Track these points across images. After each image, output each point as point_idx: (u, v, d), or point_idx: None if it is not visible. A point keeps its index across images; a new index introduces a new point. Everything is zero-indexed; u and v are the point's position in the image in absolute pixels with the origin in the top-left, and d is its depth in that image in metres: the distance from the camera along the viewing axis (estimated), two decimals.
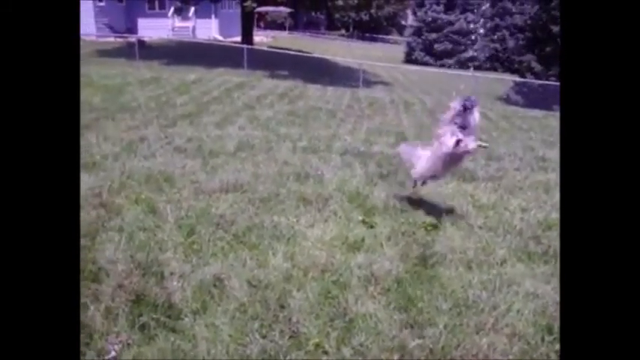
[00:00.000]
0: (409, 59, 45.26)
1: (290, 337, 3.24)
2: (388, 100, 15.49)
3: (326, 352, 3.14)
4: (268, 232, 4.65)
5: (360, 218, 5.13)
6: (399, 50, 48.66)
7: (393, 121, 11.64)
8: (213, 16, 39.48)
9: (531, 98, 22.90)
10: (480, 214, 5.59)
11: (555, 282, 4.17)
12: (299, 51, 29.51)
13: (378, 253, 4.41)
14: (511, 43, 36.43)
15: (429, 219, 5.25)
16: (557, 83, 22.00)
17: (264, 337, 3.22)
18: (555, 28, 22.66)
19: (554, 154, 9.50)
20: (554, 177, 7.60)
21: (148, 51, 23.66)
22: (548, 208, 6.00)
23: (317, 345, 3.17)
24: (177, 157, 6.84)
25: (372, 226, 4.98)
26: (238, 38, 31.96)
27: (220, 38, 37.80)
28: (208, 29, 39.45)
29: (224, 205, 5.18)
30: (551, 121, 15.27)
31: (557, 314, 3.67)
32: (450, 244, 4.68)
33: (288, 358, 3.06)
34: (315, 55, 29.38)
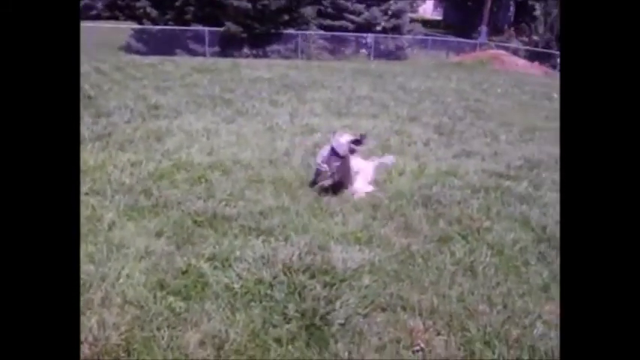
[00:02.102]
0: None
1: None
2: None
3: None
4: None
5: None
6: None
7: None
8: None
9: (152, 45, 22.73)
10: (87, 178, 5.14)
11: (169, 232, 4.05)
12: None
13: None
14: None
15: None
16: (175, 27, 22.26)
17: None
18: None
19: (166, 99, 9.47)
20: (165, 123, 7.53)
21: None
22: (159, 157, 5.88)
23: None
24: None
25: None
26: None
27: None
28: None
29: None
30: (167, 66, 15.28)
31: (169, 266, 3.55)
32: None
33: None
34: None
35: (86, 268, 3.50)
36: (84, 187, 4.90)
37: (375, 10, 26.35)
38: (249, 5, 21.54)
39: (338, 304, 3.18)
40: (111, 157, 5.80)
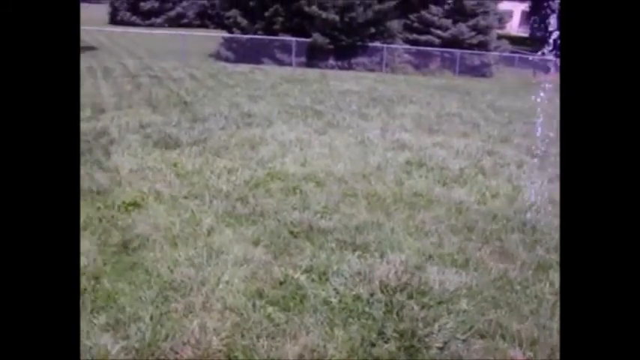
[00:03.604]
0: (114, 20, 42.63)
1: None
2: (85, 68, 14.22)
3: None
4: None
5: None
6: (104, 10, 45.53)
7: (89, 92, 10.64)
8: None
9: (240, 53, 23.20)
10: (185, 182, 5.31)
11: (266, 241, 4.10)
12: None
13: None
14: None
15: (130, 197, 4.80)
16: (263, 36, 22.68)
17: None
18: None
19: (258, 108, 9.63)
20: (259, 132, 7.66)
21: None
22: (254, 165, 5.99)
23: None
24: None
25: None
26: None
27: None
28: None
29: None
30: (257, 74, 15.59)
31: (267, 276, 3.60)
32: (154, 222, 4.33)
33: None
34: None
35: (186, 271, 3.60)
36: (182, 191, 5.06)
37: (462, 26, 25.95)
38: (337, 17, 21.66)
39: (436, 326, 3.12)
40: (207, 163, 5.96)
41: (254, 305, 3.26)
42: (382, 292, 3.47)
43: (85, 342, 2.87)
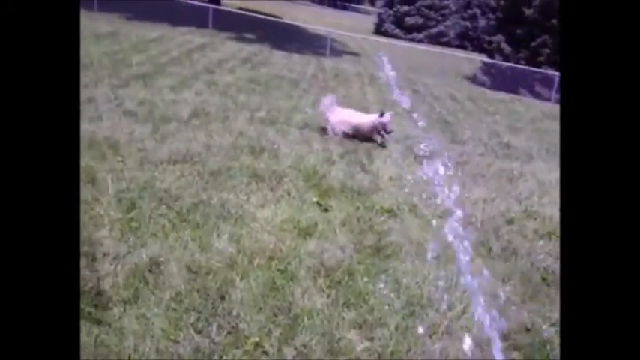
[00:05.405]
0: (379, 31, 44.56)
1: (228, 333, 2.96)
2: (354, 72, 15.05)
3: (266, 353, 2.87)
4: (215, 211, 4.33)
5: (315, 200, 4.83)
6: (370, 21, 47.98)
7: (357, 95, 11.26)
8: None
9: (498, 80, 22.72)
10: (440, 201, 5.36)
11: (516, 281, 3.99)
12: (269, 15, 28.69)
13: (330, 241, 4.14)
14: (482, 22, 36.10)
15: (388, 204, 4.99)
16: (525, 67, 21.97)
17: (199, 332, 2.93)
18: (527, 11, 22.44)
19: (518, 141, 9.34)
20: (517, 166, 7.43)
21: (108, 2, 22.40)
22: (511, 200, 5.82)
23: (256, 344, 2.90)
24: (125, 122, 6.33)
25: (326, 210, 4.69)
26: None
27: None
28: None
29: (170, 178, 4.81)
30: (517, 105, 15.11)
31: (513, 318, 3.49)
32: (407, 234, 4.45)
33: (223, 358, 2.78)
34: (285, 20, 28.49)
35: (434, 291, 3.64)
36: (438, 209, 5.11)
37: None
38: None
39: None
40: (464, 187, 5.95)
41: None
42: None
43: (334, 332, 3.06)
